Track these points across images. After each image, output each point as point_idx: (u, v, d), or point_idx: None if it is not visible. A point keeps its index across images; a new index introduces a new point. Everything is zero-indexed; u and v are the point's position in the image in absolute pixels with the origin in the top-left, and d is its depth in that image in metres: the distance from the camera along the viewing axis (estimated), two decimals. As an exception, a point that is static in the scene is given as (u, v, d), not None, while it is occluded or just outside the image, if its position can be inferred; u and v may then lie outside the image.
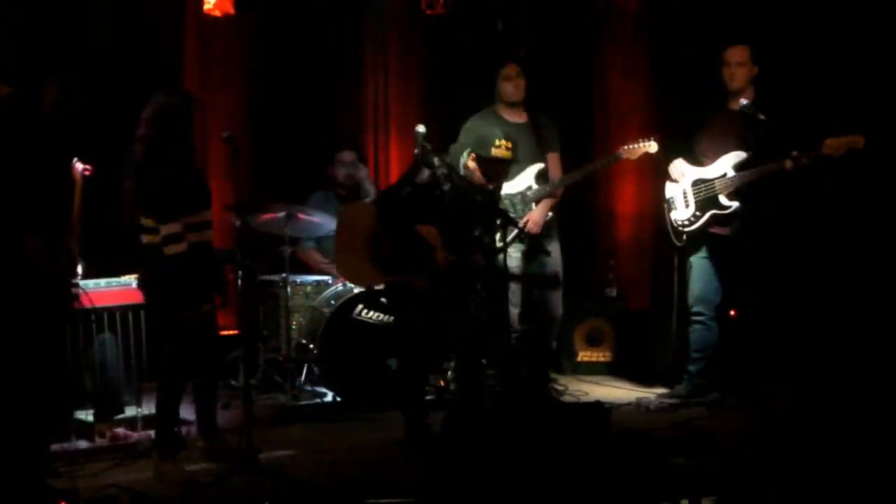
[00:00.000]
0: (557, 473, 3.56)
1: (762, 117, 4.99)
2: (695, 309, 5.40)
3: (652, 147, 5.34)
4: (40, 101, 3.68)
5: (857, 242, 5.75)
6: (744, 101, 5.06)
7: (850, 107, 5.66)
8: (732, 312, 5.36)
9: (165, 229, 4.02)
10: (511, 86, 5.37)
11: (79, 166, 4.53)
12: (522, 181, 5.36)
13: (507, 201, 5.28)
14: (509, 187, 5.30)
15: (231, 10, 6.05)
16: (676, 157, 5.38)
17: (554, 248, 5.39)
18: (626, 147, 5.40)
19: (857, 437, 4.43)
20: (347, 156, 6.14)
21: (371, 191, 6.23)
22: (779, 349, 5.47)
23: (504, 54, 5.65)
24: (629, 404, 5.45)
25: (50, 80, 3.76)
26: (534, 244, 5.26)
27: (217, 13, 6.03)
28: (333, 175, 6.13)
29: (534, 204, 5.34)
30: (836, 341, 5.62)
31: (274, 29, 6.71)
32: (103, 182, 4.64)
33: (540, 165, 5.37)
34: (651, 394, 5.63)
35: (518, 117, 5.45)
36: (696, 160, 5.34)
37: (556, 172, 5.46)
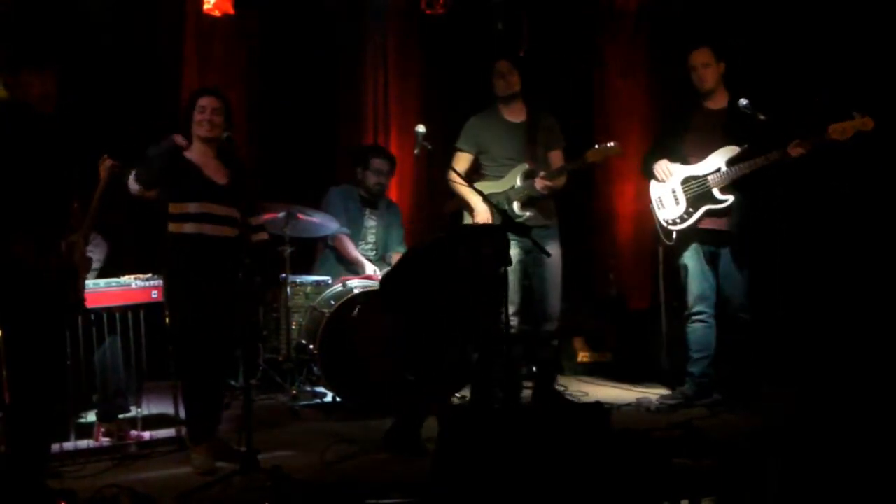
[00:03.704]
0: (558, 474, 3.56)
1: (762, 117, 4.99)
2: (696, 308, 5.35)
3: (615, 150, 5.22)
4: (32, 99, 3.65)
5: (867, 235, 5.70)
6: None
7: (856, 89, 5.59)
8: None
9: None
10: (502, 82, 5.38)
11: (108, 162, 4.55)
12: (507, 181, 5.33)
13: (494, 201, 5.24)
14: (495, 187, 5.31)
15: (231, 10, 6.08)
16: (660, 158, 5.37)
17: (554, 248, 5.35)
18: (593, 149, 5.27)
19: (859, 437, 4.42)
20: (383, 164, 6.05)
21: (386, 202, 6.20)
22: (781, 348, 5.45)
23: (504, 54, 5.64)
24: (629, 404, 5.45)
25: (43, 72, 3.71)
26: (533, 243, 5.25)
27: (217, 13, 6.05)
28: (364, 178, 6.04)
29: (516, 203, 5.29)
30: (842, 340, 5.59)
31: (274, 29, 6.72)
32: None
33: (525, 166, 5.32)
34: (651, 394, 5.63)
35: (516, 116, 5.42)
36: (681, 159, 5.32)
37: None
